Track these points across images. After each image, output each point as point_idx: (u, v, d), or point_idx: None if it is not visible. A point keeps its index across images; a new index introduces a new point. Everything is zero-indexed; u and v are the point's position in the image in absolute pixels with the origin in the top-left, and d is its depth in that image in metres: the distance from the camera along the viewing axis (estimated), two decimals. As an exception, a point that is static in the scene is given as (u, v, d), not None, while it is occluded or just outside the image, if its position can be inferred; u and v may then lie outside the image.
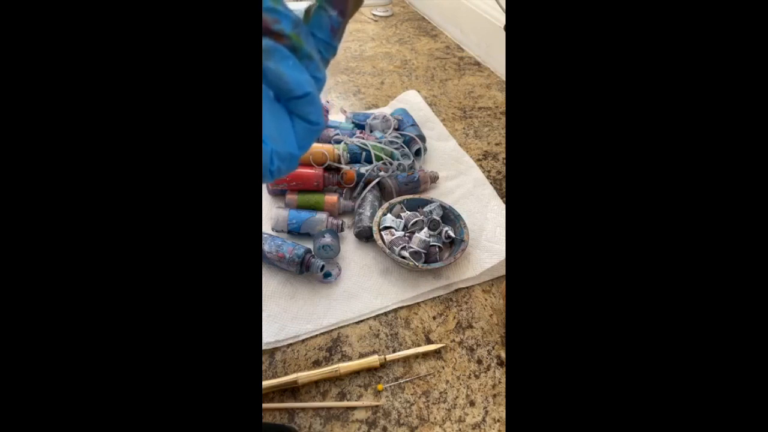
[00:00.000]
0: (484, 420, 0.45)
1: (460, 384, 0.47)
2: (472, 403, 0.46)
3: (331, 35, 0.20)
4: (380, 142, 0.73)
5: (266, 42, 0.17)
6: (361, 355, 0.49)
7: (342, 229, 0.62)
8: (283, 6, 0.17)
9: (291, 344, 0.50)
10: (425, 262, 0.57)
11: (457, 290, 0.57)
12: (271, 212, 0.63)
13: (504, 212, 0.67)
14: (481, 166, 0.77)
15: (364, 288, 0.56)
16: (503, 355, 0.50)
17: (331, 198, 0.65)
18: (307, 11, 0.19)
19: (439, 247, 0.59)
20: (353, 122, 0.82)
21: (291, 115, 0.19)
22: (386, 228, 0.61)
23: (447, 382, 0.48)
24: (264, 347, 0.49)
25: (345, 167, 0.68)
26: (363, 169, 0.68)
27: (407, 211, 0.64)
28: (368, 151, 0.71)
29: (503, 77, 1.07)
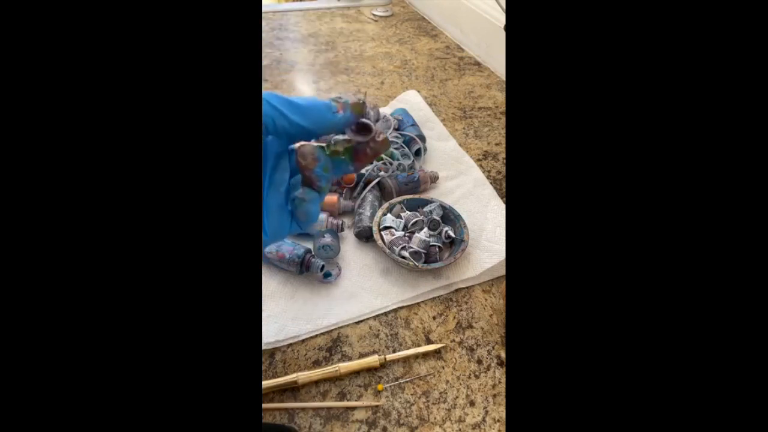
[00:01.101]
0: (484, 420, 0.45)
1: (460, 384, 0.47)
2: (472, 403, 0.46)
3: (342, 176, 0.28)
4: (380, 142, 0.73)
5: (311, 193, 0.25)
6: (361, 355, 0.49)
7: (342, 229, 0.62)
8: (327, 171, 0.25)
9: (291, 344, 0.50)
10: (425, 262, 0.57)
11: (457, 290, 0.57)
12: (271, 212, 0.63)
13: (504, 212, 0.67)
14: (481, 166, 0.77)
15: (364, 288, 0.56)
16: (503, 355, 0.50)
17: (331, 198, 0.65)
18: (335, 152, 0.26)
19: (439, 247, 0.59)
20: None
21: (292, 219, 0.26)
22: (386, 228, 0.61)
23: (447, 382, 0.48)
24: (264, 347, 0.49)
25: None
26: (363, 169, 0.68)
27: (407, 211, 0.64)
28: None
29: (503, 77, 1.07)
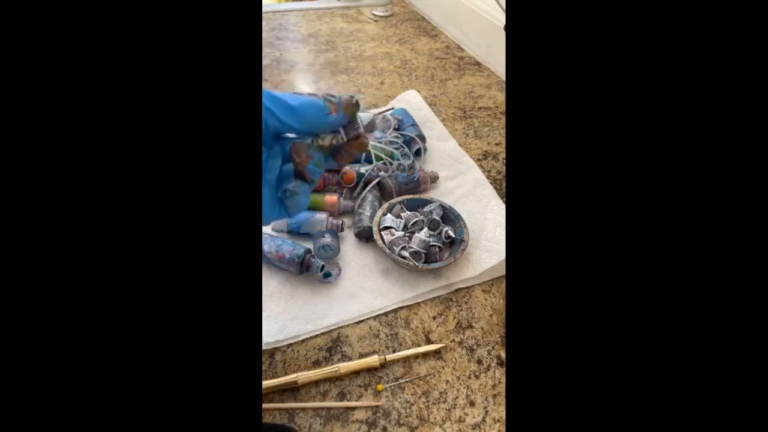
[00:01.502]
0: (484, 420, 0.45)
1: (460, 384, 0.47)
2: (472, 403, 0.46)
3: (342, 176, 0.32)
4: (380, 142, 0.73)
5: (303, 186, 0.26)
6: (361, 355, 0.49)
7: (342, 229, 0.62)
8: (320, 167, 0.26)
9: (291, 344, 0.50)
10: (425, 262, 0.57)
11: (457, 290, 0.57)
12: (271, 212, 0.63)
13: (504, 212, 0.67)
14: (481, 166, 0.77)
15: (364, 288, 0.56)
16: (503, 355, 0.50)
17: (331, 198, 0.65)
18: (321, 146, 0.27)
19: (439, 247, 0.59)
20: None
21: (280, 206, 0.27)
22: (386, 228, 0.61)
23: (447, 382, 0.48)
24: (264, 347, 0.49)
25: (345, 167, 0.68)
26: (363, 169, 0.68)
27: (407, 211, 0.64)
28: (368, 151, 0.71)
29: (503, 77, 1.07)
